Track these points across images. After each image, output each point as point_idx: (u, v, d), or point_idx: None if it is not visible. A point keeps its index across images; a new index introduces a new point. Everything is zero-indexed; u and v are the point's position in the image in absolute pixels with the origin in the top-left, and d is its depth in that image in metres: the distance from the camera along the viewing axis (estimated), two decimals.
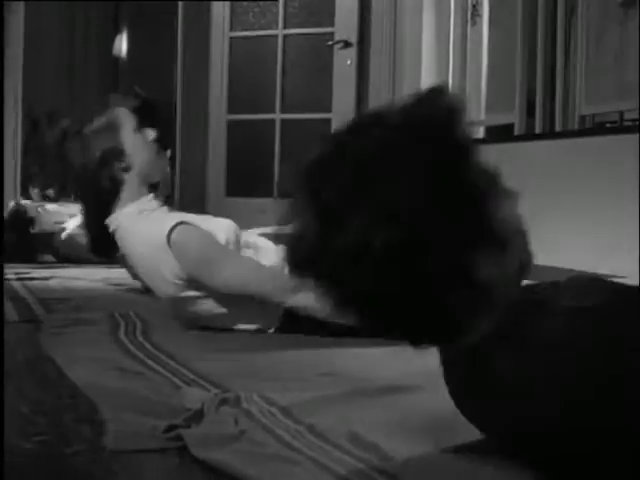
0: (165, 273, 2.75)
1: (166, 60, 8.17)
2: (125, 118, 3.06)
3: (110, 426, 1.64)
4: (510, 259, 1.22)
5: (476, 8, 5.78)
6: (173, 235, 2.72)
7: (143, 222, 2.85)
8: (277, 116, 6.86)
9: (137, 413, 1.73)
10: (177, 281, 2.75)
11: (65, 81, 12.21)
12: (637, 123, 4.23)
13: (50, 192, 7.80)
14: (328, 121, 6.58)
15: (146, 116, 8.96)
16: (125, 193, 2.89)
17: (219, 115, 7.06)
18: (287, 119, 6.85)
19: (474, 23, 5.81)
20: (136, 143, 2.98)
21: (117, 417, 1.70)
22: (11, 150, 5.37)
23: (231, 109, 7.05)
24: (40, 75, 11.05)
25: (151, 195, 2.95)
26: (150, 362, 2.31)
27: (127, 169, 2.89)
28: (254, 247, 3.36)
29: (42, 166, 9.59)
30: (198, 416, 1.65)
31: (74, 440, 1.58)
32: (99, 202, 2.91)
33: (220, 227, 2.87)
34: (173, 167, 7.82)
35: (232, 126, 7.10)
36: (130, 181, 2.90)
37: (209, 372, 2.12)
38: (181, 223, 2.75)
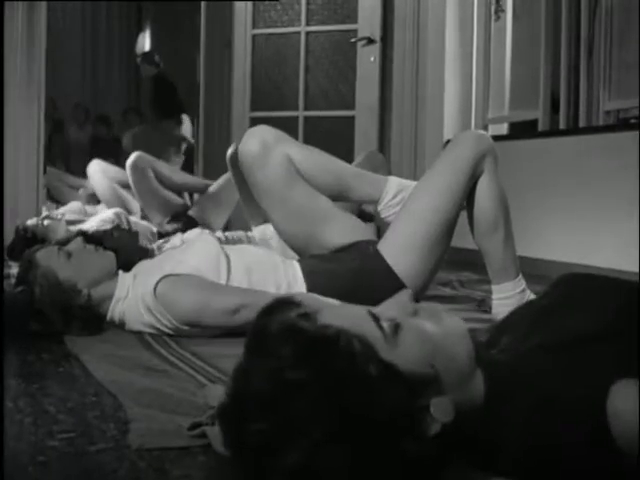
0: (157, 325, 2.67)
1: (189, 58, 8.20)
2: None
3: (135, 424, 1.64)
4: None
5: (499, 3, 5.77)
6: (158, 290, 2.62)
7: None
8: (300, 113, 6.86)
9: (161, 411, 1.73)
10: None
11: (88, 80, 12.29)
12: None
13: None
14: (352, 118, 6.57)
15: (163, 85, 8.92)
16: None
17: (242, 112, 7.06)
18: (310, 116, 6.84)
19: (497, 18, 5.79)
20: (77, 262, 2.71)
21: (142, 415, 1.70)
22: (35, 149, 5.37)
23: (254, 106, 7.05)
24: (63, 73, 11.15)
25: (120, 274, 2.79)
26: (174, 360, 2.32)
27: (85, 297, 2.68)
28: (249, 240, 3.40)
29: (65, 164, 9.67)
30: None
31: (99, 438, 1.58)
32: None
33: (197, 252, 2.80)
34: (191, 166, 7.85)
35: (255, 123, 7.08)
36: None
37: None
38: (163, 277, 2.64)
